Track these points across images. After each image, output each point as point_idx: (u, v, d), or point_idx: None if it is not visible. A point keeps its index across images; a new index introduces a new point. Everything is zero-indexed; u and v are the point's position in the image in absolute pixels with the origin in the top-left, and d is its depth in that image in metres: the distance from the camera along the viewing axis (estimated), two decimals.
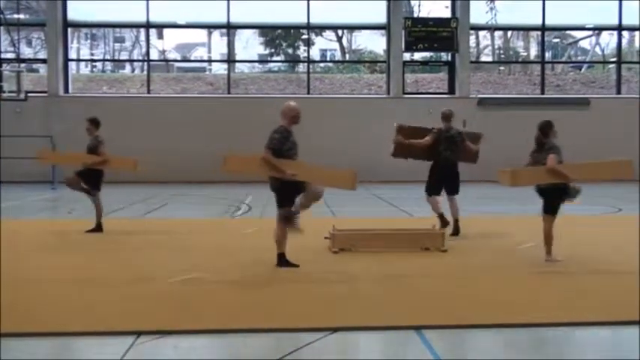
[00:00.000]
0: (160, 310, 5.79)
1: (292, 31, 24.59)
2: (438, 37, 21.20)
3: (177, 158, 20.43)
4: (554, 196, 7.69)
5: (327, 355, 4.84)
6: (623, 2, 21.66)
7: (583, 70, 25.77)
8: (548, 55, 24.53)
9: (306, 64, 23.01)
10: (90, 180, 10.24)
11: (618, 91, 22.20)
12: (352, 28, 24.51)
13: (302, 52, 24.60)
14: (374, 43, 25.15)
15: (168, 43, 26.73)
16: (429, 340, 4.99)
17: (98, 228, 10.14)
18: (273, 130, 7.50)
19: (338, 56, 26.96)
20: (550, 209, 7.77)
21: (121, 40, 28.05)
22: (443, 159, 9.65)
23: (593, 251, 8.45)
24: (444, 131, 9.66)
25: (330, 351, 4.93)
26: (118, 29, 26.49)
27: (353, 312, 5.74)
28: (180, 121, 20.72)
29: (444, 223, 9.61)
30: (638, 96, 20.94)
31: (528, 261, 7.99)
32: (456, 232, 9.67)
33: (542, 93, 22.27)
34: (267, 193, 18.13)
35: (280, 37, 25.47)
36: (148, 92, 21.84)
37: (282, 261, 7.52)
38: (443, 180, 9.74)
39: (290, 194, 7.46)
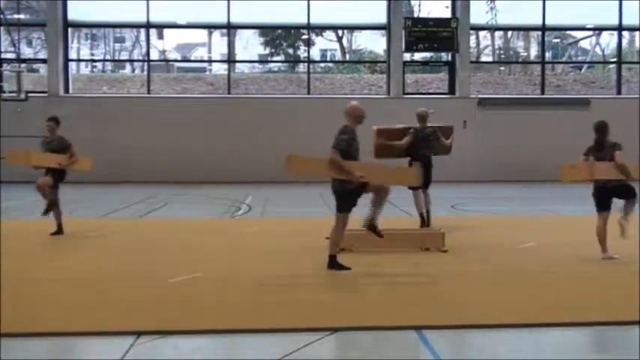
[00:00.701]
0: (161, 310, 5.79)
1: (292, 31, 24.58)
2: (438, 37, 21.20)
3: (177, 158, 20.44)
4: (609, 194, 8.06)
5: (326, 356, 4.84)
6: (624, 2, 21.65)
7: (583, 70, 25.75)
8: (548, 55, 24.52)
9: (306, 64, 23.00)
10: (55, 180, 9.91)
11: (618, 92, 22.21)
12: (352, 28, 24.50)
13: (302, 52, 24.59)
14: (374, 44, 25.15)
15: (169, 43, 26.73)
16: (429, 340, 5.00)
17: (60, 230, 9.86)
18: (339, 131, 7.39)
19: (338, 56, 26.96)
20: (606, 207, 8.09)
21: (121, 40, 28.05)
22: (421, 156, 10.21)
23: (594, 251, 8.45)
24: (420, 131, 10.30)
25: (330, 351, 4.94)
26: (118, 29, 26.49)
27: (353, 312, 5.75)
28: (180, 121, 20.72)
29: (424, 223, 10.15)
30: (638, 96, 20.94)
31: (529, 261, 8.00)
32: (427, 224, 10.08)
33: (543, 93, 22.28)
34: (266, 193, 18.11)
35: (280, 37, 25.46)
36: (148, 92, 21.85)
37: (333, 263, 7.40)
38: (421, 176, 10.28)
39: (352, 199, 7.36)
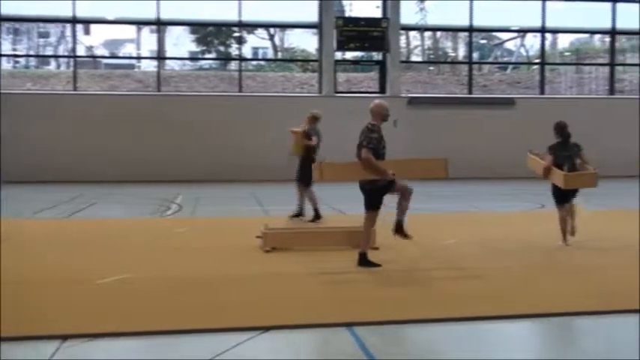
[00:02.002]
0: (88, 312, 5.66)
1: (224, 28, 24.39)
2: (369, 36, 21.41)
3: (105, 157, 19.97)
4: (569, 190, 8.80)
5: (258, 355, 4.83)
6: (547, 4, 22.38)
7: (508, 70, 26.51)
8: (475, 55, 25.11)
9: (237, 62, 22.87)
10: None
11: (542, 92, 22.95)
12: (284, 26, 24.48)
13: (234, 50, 24.43)
14: (306, 42, 25.21)
15: (96, 39, 26.09)
16: (360, 337, 5.05)
17: None
18: (368, 129, 7.39)
19: (270, 54, 26.89)
20: (568, 200, 8.85)
21: (46, 35, 27.17)
22: (317, 154, 11.05)
23: (519, 245, 8.72)
24: (313, 130, 11.18)
25: (261, 350, 4.93)
26: (42, 24, 25.66)
27: (284, 311, 5.75)
28: (108, 119, 20.24)
29: (318, 216, 10.99)
30: (602, 95, 21.68)
31: (449, 257, 8.21)
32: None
33: (470, 93, 22.80)
34: (197, 192, 17.82)
35: (212, 34, 25.22)
36: (74, 89, 21.27)
37: (364, 261, 7.45)
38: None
39: (380, 196, 7.44)
